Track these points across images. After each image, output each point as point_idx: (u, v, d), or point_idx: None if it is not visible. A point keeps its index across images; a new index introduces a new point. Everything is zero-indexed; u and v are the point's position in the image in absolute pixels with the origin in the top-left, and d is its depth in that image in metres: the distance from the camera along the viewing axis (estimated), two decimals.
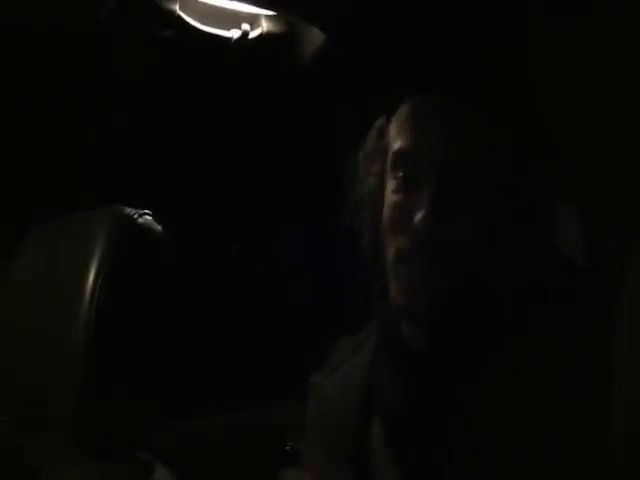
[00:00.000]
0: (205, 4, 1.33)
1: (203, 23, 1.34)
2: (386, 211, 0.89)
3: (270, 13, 1.37)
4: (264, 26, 1.39)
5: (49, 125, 1.34)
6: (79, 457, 0.85)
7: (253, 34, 1.37)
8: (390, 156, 0.90)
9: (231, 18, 1.36)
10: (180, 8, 1.29)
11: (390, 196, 0.89)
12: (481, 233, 0.85)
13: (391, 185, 0.89)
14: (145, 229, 0.89)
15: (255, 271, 1.71)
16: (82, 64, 1.33)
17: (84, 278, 0.85)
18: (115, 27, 1.24)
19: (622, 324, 0.67)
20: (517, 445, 0.79)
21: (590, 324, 0.79)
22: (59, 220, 0.98)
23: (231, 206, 1.68)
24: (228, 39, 1.36)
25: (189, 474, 0.96)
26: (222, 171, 1.63)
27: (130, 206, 0.91)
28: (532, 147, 0.88)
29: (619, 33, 0.95)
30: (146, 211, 0.90)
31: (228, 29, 1.36)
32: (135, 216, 0.89)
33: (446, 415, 0.85)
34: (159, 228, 0.91)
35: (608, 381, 0.67)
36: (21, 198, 1.28)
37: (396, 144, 0.89)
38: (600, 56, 0.98)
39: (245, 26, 1.36)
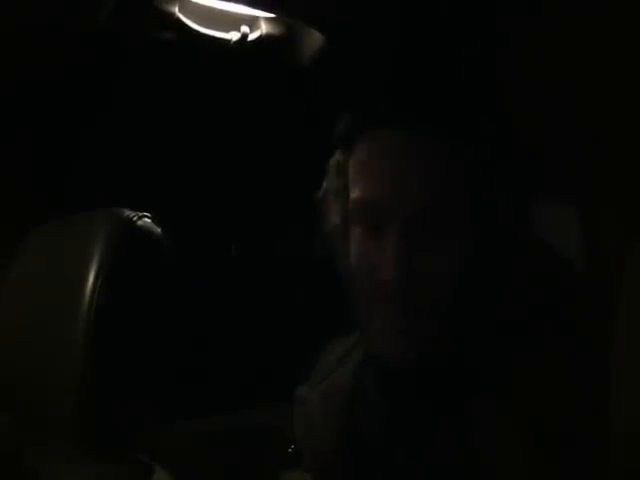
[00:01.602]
0: (204, 6, 1.33)
1: (202, 25, 1.34)
2: (352, 259, 0.85)
3: (269, 15, 1.37)
4: (263, 28, 1.39)
5: (49, 125, 1.34)
6: (79, 457, 0.85)
7: (252, 36, 1.38)
8: (350, 202, 0.84)
9: (230, 20, 1.36)
10: (179, 10, 1.30)
11: (354, 245, 0.85)
12: (456, 267, 0.80)
13: (354, 233, 0.85)
14: (144, 231, 0.89)
15: (255, 271, 1.71)
16: (82, 65, 1.33)
17: (84, 279, 0.85)
18: (114, 28, 1.24)
19: (622, 324, 0.67)
20: (507, 460, 0.78)
21: (590, 325, 0.79)
22: (59, 221, 0.98)
23: (230, 206, 1.68)
24: (227, 41, 1.36)
25: (189, 475, 0.96)
26: (221, 172, 1.63)
27: (129, 208, 0.91)
28: (509, 167, 0.84)
29: (614, 30, 0.95)
30: (145, 213, 0.90)
31: (227, 31, 1.37)
32: (134, 218, 0.89)
33: (427, 434, 0.83)
34: (158, 230, 0.91)
35: (608, 381, 0.67)
36: (21, 198, 1.28)
37: (355, 191, 0.83)
38: (596, 55, 0.98)
39: (244, 28, 1.37)
